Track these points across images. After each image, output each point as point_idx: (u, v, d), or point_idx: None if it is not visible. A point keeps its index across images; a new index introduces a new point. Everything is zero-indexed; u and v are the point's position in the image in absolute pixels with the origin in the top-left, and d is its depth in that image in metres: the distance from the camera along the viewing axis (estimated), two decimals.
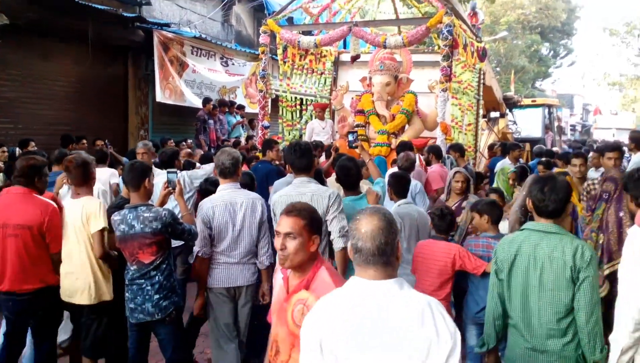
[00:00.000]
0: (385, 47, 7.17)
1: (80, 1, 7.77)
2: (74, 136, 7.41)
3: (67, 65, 8.85)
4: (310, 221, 2.18)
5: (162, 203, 3.44)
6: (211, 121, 9.82)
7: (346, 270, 3.37)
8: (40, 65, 8.33)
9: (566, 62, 33.98)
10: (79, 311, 3.55)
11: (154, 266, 3.23)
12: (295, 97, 8.86)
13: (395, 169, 5.35)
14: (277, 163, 5.91)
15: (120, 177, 4.70)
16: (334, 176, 4.13)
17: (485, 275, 3.38)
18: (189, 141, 9.35)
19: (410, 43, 7.01)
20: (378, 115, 7.75)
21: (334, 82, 9.57)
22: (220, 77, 11.63)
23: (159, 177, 5.12)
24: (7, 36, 7.24)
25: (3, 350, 3.49)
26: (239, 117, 10.91)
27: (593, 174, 5.75)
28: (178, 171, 4.61)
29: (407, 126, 7.75)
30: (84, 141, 7.40)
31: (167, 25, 10.10)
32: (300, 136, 8.71)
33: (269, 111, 8.19)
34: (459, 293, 3.90)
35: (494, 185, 5.20)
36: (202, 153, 7.58)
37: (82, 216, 3.40)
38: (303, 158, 3.42)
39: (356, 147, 4.82)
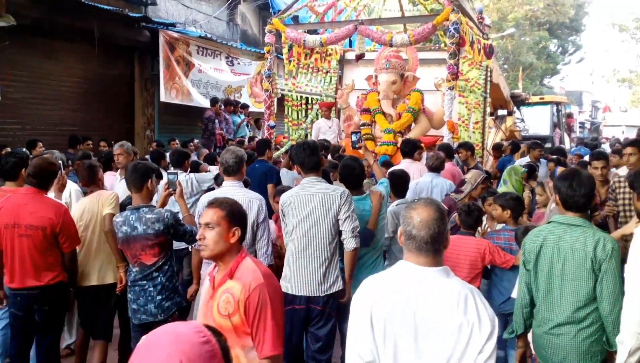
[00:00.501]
0: (391, 45, 7.12)
1: (86, 1, 7.80)
2: (81, 137, 7.43)
3: (73, 65, 8.87)
4: (230, 213, 2.23)
5: (163, 204, 3.44)
6: (216, 121, 9.83)
7: (354, 271, 3.35)
8: (46, 65, 8.36)
9: (575, 58, 33.67)
10: (89, 294, 3.77)
11: (156, 268, 3.22)
12: (301, 97, 8.83)
13: (400, 166, 5.32)
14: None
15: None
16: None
17: (512, 268, 3.57)
18: (196, 141, 9.37)
19: (416, 41, 6.96)
20: (384, 114, 7.70)
21: (339, 81, 9.53)
22: (226, 76, 11.63)
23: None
24: (13, 37, 7.28)
25: (13, 348, 3.51)
26: (243, 117, 10.91)
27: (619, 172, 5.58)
28: (179, 172, 4.61)
29: (413, 125, 7.70)
30: (89, 142, 7.41)
31: (173, 25, 10.11)
32: (306, 135, 8.69)
33: (275, 111, 8.18)
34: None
35: (507, 185, 5.14)
36: (208, 152, 7.58)
37: (99, 203, 3.75)
38: (313, 156, 3.40)
39: (360, 148, 4.79)
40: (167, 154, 5.98)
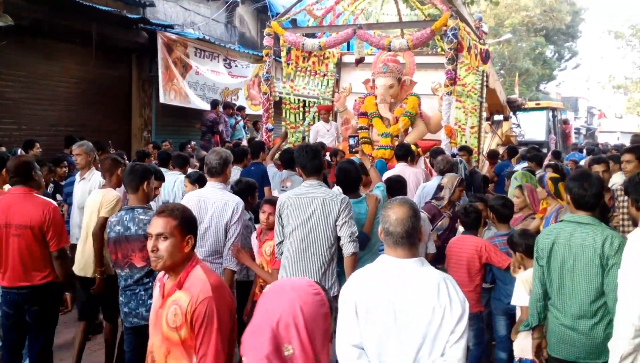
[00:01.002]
0: (389, 50, 7.16)
1: (84, 2, 7.79)
2: (78, 138, 7.41)
3: (71, 66, 8.85)
4: (183, 221, 2.14)
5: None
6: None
7: None
8: (43, 66, 8.34)
9: (571, 65, 33.87)
10: (90, 284, 3.90)
11: (146, 273, 3.18)
12: (299, 100, 8.84)
13: (395, 171, 5.33)
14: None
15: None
16: None
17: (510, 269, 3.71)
18: (193, 143, 9.35)
19: (415, 46, 6.99)
20: (381, 117, 7.72)
21: (336, 84, 9.55)
22: (223, 78, 11.63)
23: (170, 177, 5.20)
24: (11, 37, 7.27)
25: (4, 346, 3.51)
26: (238, 118, 10.89)
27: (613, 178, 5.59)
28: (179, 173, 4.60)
29: (410, 129, 7.73)
30: None
31: (171, 26, 10.11)
32: (304, 138, 8.69)
33: (273, 114, 8.19)
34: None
35: (513, 189, 5.16)
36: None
37: (101, 202, 3.84)
38: (315, 159, 3.40)
39: (357, 152, 4.80)
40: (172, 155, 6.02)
